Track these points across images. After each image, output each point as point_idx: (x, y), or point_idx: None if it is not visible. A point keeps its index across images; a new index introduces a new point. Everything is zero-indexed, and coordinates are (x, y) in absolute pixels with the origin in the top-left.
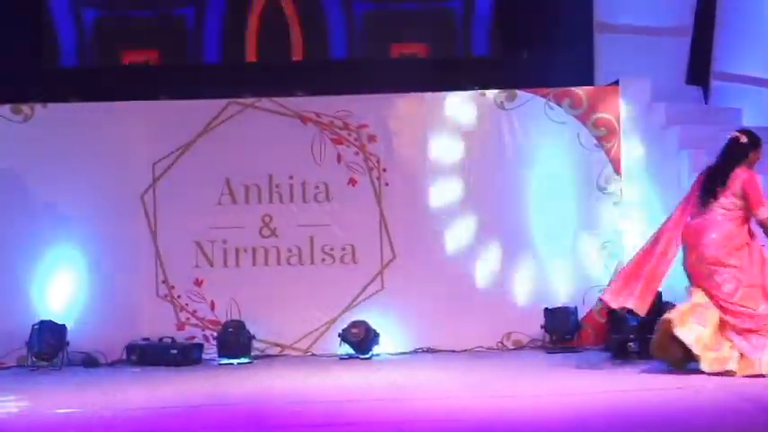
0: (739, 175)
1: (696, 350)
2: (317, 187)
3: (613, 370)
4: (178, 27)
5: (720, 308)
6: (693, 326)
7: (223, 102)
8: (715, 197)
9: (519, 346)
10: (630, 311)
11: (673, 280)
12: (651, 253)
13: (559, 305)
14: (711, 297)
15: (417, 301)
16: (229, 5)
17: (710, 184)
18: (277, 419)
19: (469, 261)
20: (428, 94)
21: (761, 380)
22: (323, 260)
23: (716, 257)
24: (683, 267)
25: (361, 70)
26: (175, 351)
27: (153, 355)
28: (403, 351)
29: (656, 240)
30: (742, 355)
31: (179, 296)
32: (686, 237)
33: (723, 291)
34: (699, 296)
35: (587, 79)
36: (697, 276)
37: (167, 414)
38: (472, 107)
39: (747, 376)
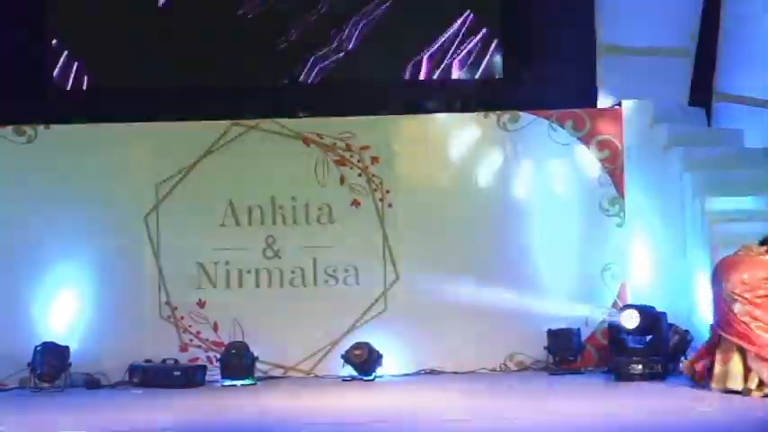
0: None
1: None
2: (319, 209)
3: (616, 391)
4: None
5: (739, 336)
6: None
7: (226, 123)
8: None
9: (522, 368)
10: (631, 332)
11: (676, 299)
12: None
13: (562, 327)
14: (730, 327)
15: (420, 322)
16: None
17: None
18: None
19: (472, 283)
20: (431, 116)
21: (765, 403)
22: (326, 281)
23: (739, 293)
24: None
25: (365, 91)
26: (178, 372)
27: (156, 376)
28: (406, 373)
29: None
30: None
31: (182, 317)
32: (720, 269)
33: (736, 312)
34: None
35: (590, 101)
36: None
37: None
38: (475, 129)
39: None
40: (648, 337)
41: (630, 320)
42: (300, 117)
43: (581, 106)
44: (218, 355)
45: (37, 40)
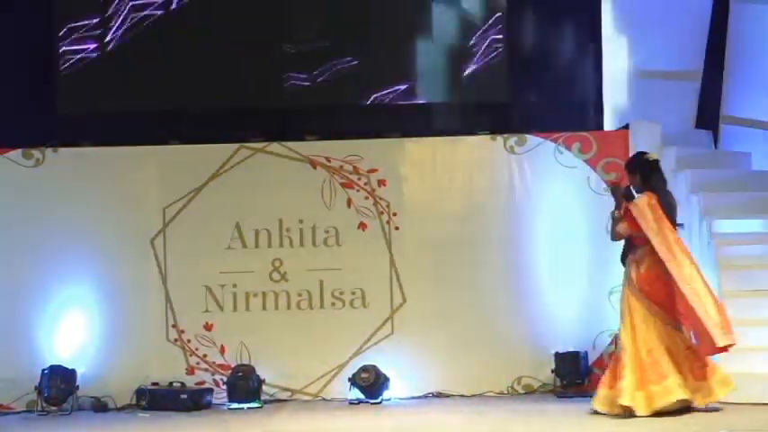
0: None
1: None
2: (326, 231)
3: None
4: None
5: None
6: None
7: (234, 146)
8: None
9: (529, 391)
10: None
11: None
12: None
13: (570, 350)
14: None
15: (427, 345)
16: None
17: None
18: None
19: (479, 305)
20: (438, 139)
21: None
22: (333, 304)
23: None
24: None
25: (371, 114)
26: (185, 396)
27: (163, 399)
28: (413, 396)
29: None
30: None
31: (189, 340)
32: None
33: None
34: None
35: (597, 123)
36: None
37: None
38: (482, 151)
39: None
40: None
41: None
42: (308, 140)
43: (588, 129)
44: (225, 378)
45: (46, 64)
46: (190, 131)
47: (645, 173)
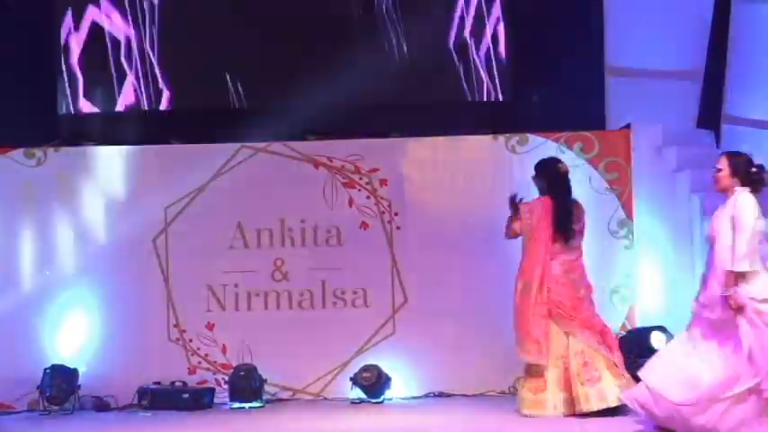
0: None
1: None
2: (328, 231)
3: (624, 414)
4: None
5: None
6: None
7: (235, 146)
8: None
9: None
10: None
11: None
12: None
13: None
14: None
15: (429, 345)
16: None
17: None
18: None
19: (481, 305)
20: (440, 138)
21: None
22: (334, 304)
23: None
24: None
25: (373, 114)
26: (187, 395)
27: (164, 399)
28: (414, 395)
29: None
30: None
31: (191, 340)
32: None
33: None
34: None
35: (599, 123)
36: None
37: None
38: (484, 151)
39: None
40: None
41: (659, 342)
42: (309, 140)
43: (590, 128)
44: (227, 378)
45: (47, 63)
46: (191, 131)
47: (551, 180)
